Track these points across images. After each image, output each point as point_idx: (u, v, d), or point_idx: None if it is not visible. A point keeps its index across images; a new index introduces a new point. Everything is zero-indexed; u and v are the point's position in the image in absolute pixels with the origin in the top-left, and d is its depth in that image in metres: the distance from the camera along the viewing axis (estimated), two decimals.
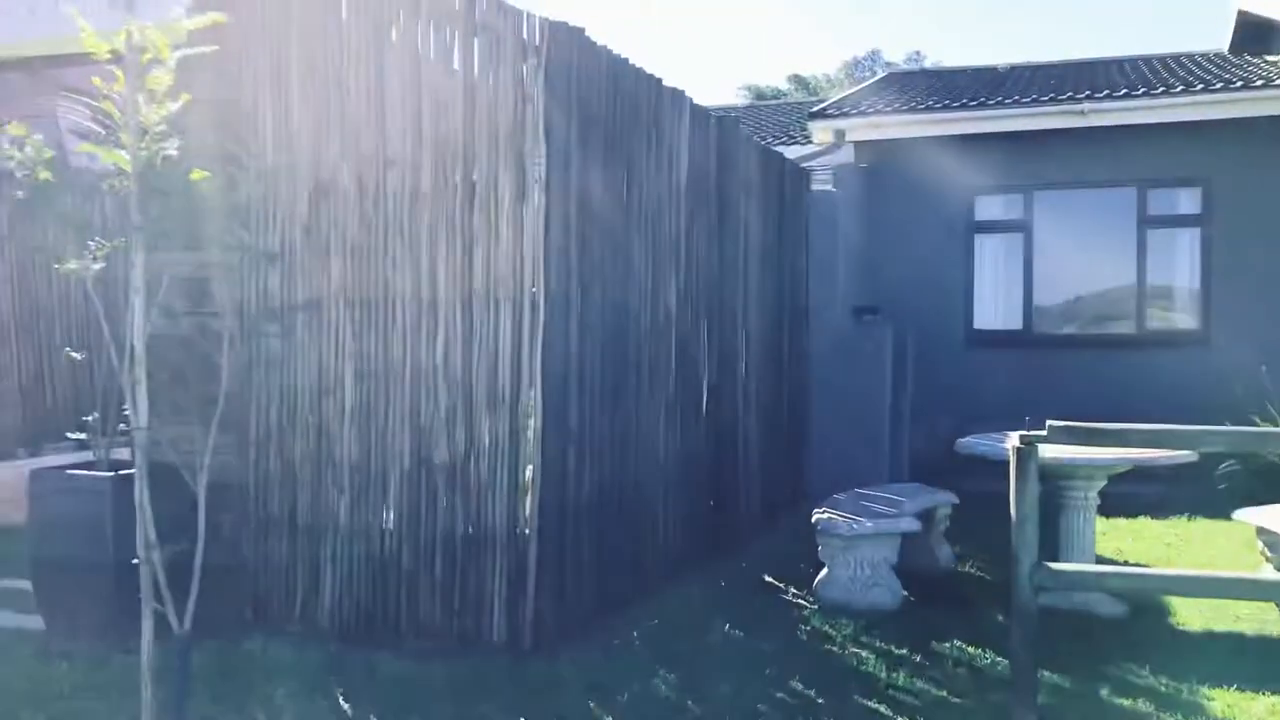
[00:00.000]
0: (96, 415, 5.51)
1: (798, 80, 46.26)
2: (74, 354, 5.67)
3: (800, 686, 4.97)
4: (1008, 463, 4.21)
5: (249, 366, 5.69)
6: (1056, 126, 11.29)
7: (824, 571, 6.35)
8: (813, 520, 6.41)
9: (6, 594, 6.51)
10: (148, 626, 4.15)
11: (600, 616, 5.74)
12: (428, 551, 5.47)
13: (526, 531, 5.29)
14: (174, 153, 4.02)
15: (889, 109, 12.05)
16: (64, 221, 4.23)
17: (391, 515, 5.55)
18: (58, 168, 4.23)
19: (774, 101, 28.65)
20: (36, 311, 9.62)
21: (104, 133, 4.50)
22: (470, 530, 5.40)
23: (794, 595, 6.57)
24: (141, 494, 4.16)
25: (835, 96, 15.19)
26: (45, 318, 9.71)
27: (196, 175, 4.03)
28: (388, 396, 5.56)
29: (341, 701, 4.74)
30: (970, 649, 5.56)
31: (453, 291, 5.44)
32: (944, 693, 4.97)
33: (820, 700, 4.83)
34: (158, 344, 5.03)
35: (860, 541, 6.18)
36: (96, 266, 4.89)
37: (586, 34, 5.53)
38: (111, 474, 5.26)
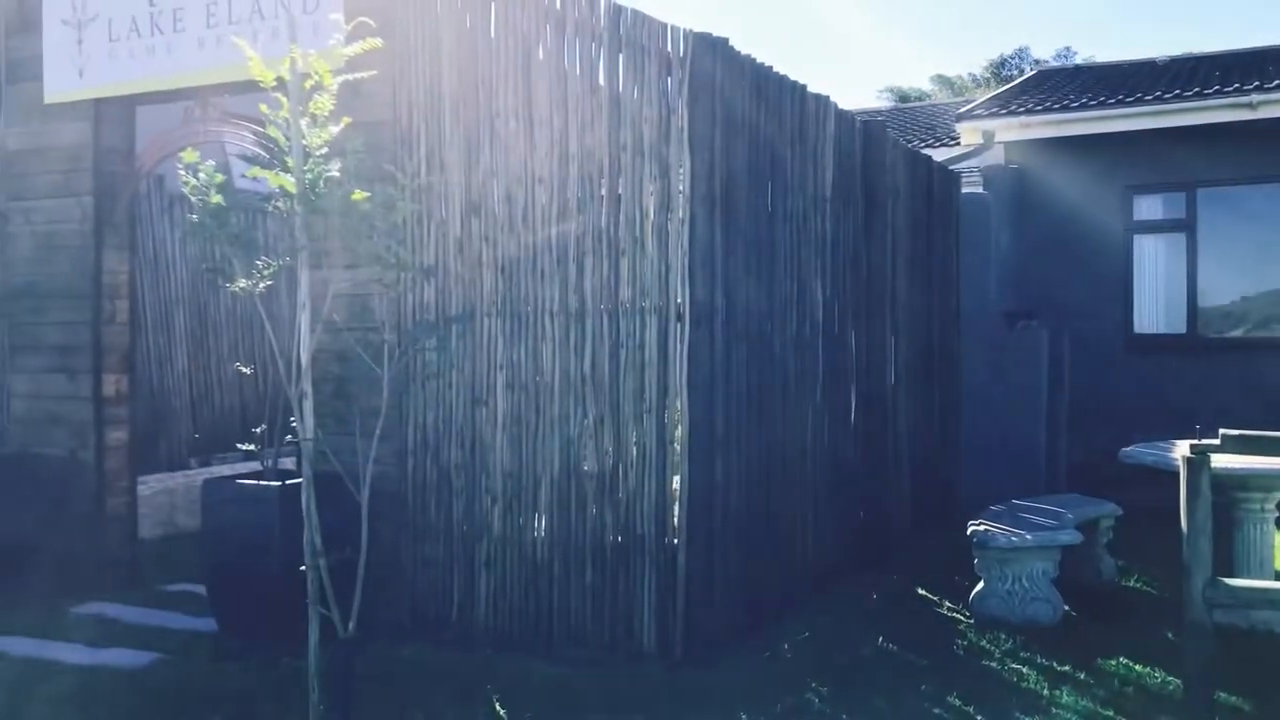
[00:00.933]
0: (264, 427, 5.74)
1: (942, 81, 45.28)
2: (243, 368, 5.93)
3: (958, 703, 4.85)
4: (1177, 473, 4.02)
5: (406, 378, 5.86)
6: (1222, 120, 10.73)
7: (980, 585, 6.18)
8: (968, 532, 6.25)
9: (181, 597, 6.87)
10: (314, 631, 4.32)
11: (750, 627, 5.71)
12: (578, 559, 5.54)
13: (675, 541, 5.31)
14: (335, 174, 4.18)
15: (1039, 108, 11.69)
16: (235, 242, 4.43)
17: (543, 523, 5.64)
18: (228, 191, 4.44)
19: (918, 104, 28.13)
20: (205, 326, 10.15)
21: (269, 156, 4.71)
22: (619, 539, 5.44)
23: (948, 609, 6.42)
24: (308, 503, 4.33)
25: (982, 97, 14.82)
26: (213, 332, 10.24)
27: (357, 196, 4.18)
28: (538, 406, 5.66)
29: (498, 708, 4.83)
30: (1138, 667, 5.33)
31: (599, 302, 5.51)
32: (1110, 712, 4.78)
33: (979, 717, 4.70)
34: (321, 357, 5.26)
35: (1018, 554, 5.99)
36: (263, 285, 5.12)
37: (730, 44, 5.53)
38: (279, 483, 5.49)
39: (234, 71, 6.32)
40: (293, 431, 4.83)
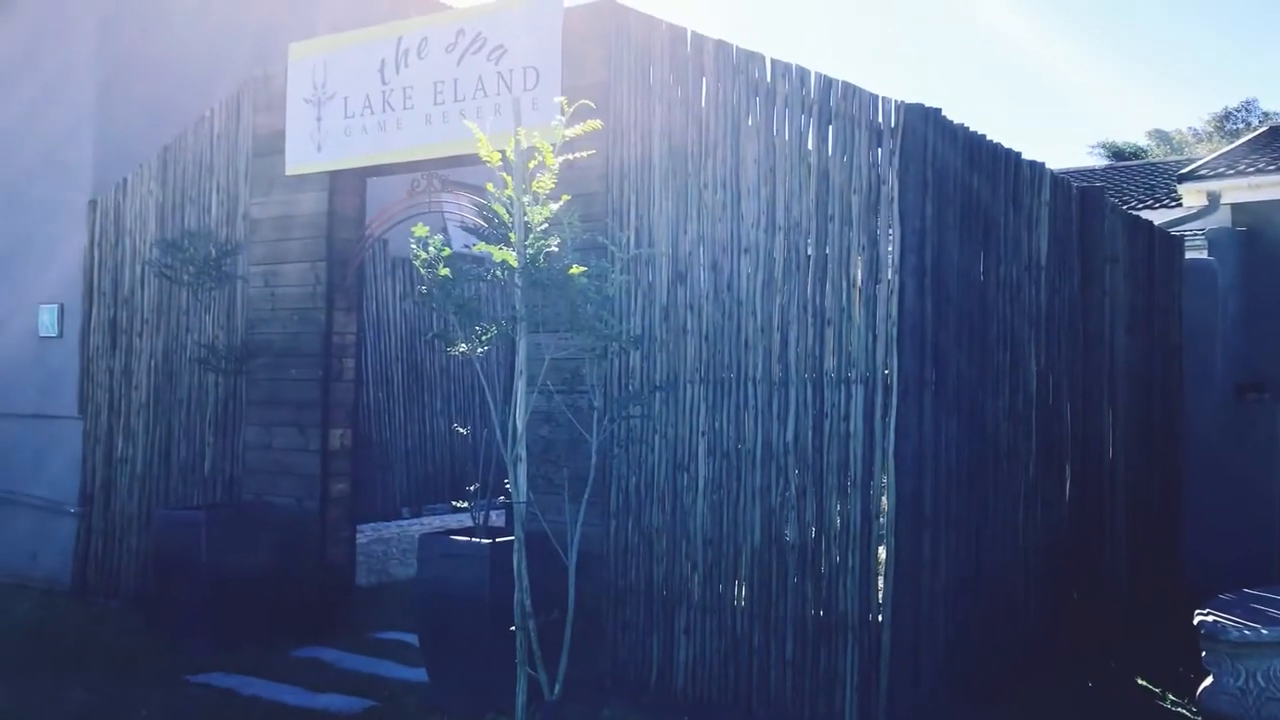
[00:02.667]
0: (476, 485, 5.96)
1: (1160, 136, 43.27)
2: (460, 429, 6.17)
3: None
4: None
5: (610, 441, 5.97)
6: None
7: (1209, 680, 5.78)
8: (1195, 623, 5.87)
9: (393, 645, 7.15)
10: (521, 691, 4.44)
11: (956, 710, 5.51)
12: (778, 631, 5.49)
13: (880, 618, 5.20)
14: (555, 249, 4.34)
15: (1272, 167, 11.01)
16: (460, 310, 4.65)
17: (743, 592, 5.63)
18: (454, 262, 4.68)
19: (1135, 162, 26.96)
20: (420, 382, 10.63)
21: (488, 227, 4.94)
22: (821, 613, 5.37)
23: (1172, 703, 6.03)
24: (519, 565, 4.47)
25: (1205, 154, 14.08)
26: (427, 388, 10.71)
27: (575, 271, 4.33)
28: (739, 474, 5.67)
29: None
30: None
31: (804, 371, 5.50)
32: None
33: None
34: (531, 420, 5.43)
35: (1253, 649, 5.57)
36: (481, 350, 5.36)
37: (942, 114, 5.47)
38: (489, 541, 5.67)
39: (458, 146, 6.69)
40: (505, 492, 5.01)
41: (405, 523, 9.61)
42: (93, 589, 8.35)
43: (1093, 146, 43.37)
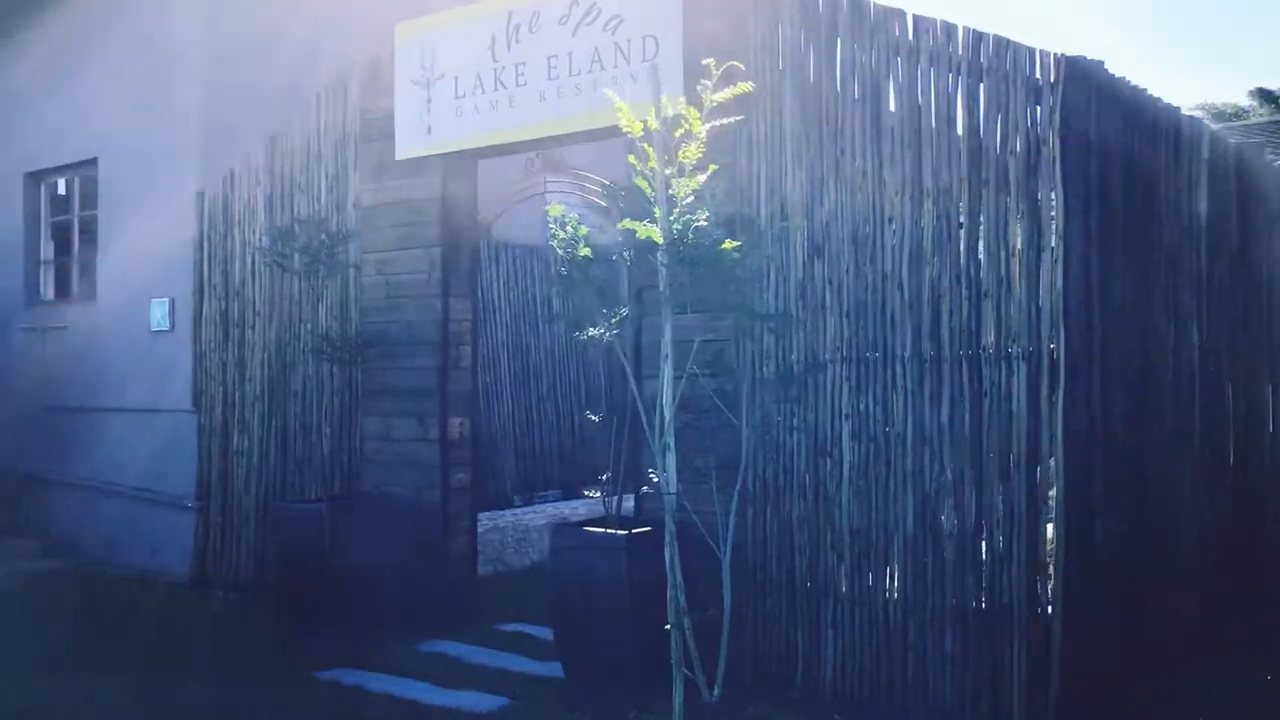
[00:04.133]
0: (608, 474, 5.73)
1: (1263, 95, 41.51)
2: (592, 416, 5.94)
3: None
4: None
5: (744, 426, 5.69)
6: None
7: None
8: None
9: (517, 638, 6.97)
10: (678, 692, 4.19)
11: (1130, 704, 5.14)
12: (936, 625, 5.17)
13: (1049, 610, 4.85)
14: (704, 223, 4.06)
15: None
16: (599, 294, 4.41)
17: (895, 583, 5.31)
18: (591, 242, 4.43)
19: (1239, 123, 25.77)
20: (527, 368, 10.45)
21: (606, 206, 4.68)
22: (983, 605, 5.03)
23: None
24: (672, 559, 4.22)
25: None
26: (534, 374, 10.53)
27: (728, 245, 4.04)
28: (888, 459, 5.35)
29: None
30: None
31: (958, 348, 5.15)
32: None
33: None
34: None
35: None
36: (612, 333, 5.12)
37: (1105, 67, 5.08)
38: (625, 532, 5.44)
39: (576, 122, 6.45)
40: (648, 481, 4.76)
41: (519, 511, 9.46)
42: (211, 582, 8.32)
43: (1190, 108, 41.75)
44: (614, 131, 6.20)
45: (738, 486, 4.52)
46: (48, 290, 10.28)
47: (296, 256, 7.25)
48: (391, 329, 7.33)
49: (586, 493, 6.40)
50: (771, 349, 5.68)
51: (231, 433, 8.30)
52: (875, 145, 5.43)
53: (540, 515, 9.47)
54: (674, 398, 4.22)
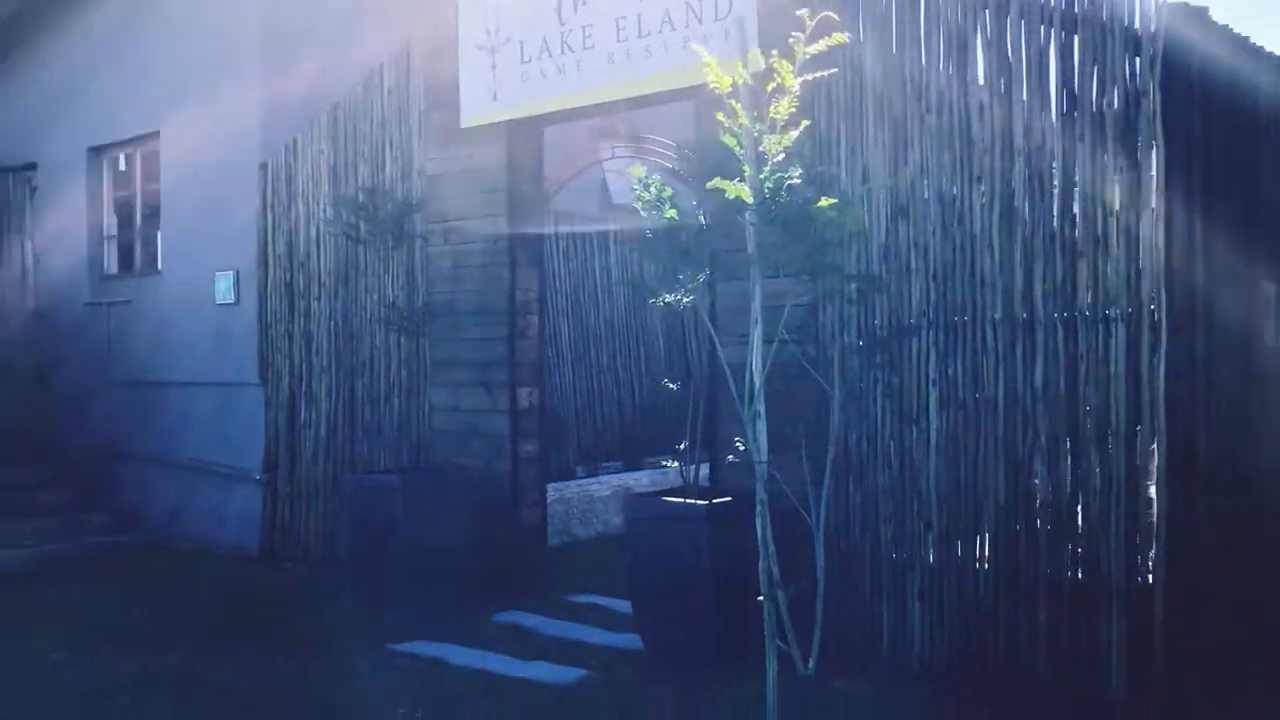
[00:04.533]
0: (685, 444, 5.61)
1: None
2: (670, 384, 5.82)
3: None
4: None
5: (835, 392, 5.53)
6: None
7: None
8: None
9: (589, 609, 6.89)
10: (772, 665, 4.08)
11: (1236, 680, 4.96)
12: (1028, 597, 5.01)
13: (1150, 581, 4.68)
14: (797, 181, 3.91)
15: None
16: (684, 258, 4.28)
17: (986, 553, 5.16)
18: (676, 204, 4.29)
19: None
20: (587, 338, 10.34)
21: (674, 169, 4.53)
22: (1080, 575, 4.87)
23: None
24: (764, 530, 4.10)
25: None
26: (594, 344, 10.41)
27: (824, 204, 3.89)
28: (978, 426, 5.18)
29: None
30: None
31: (1052, 311, 4.96)
32: None
33: None
34: (745, 372, 5.05)
35: None
36: (686, 300, 4.99)
37: (1208, 13, 4.84)
38: (705, 502, 5.32)
39: (644, 85, 6.30)
40: (729, 450, 4.64)
41: (584, 482, 9.37)
42: (279, 555, 8.33)
43: None
44: (685, 93, 6.09)
45: (830, 455, 4.38)
46: (111, 264, 10.31)
47: (363, 226, 7.18)
48: (458, 299, 7.25)
49: (663, 462, 6.27)
50: (856, 314, 5.51)
51: (299, 405, 8.28)
52: (962, 101, 5.24)
53: (605, 486, 9.39)
54: (764, 364, 4.08)
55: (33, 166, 10.46)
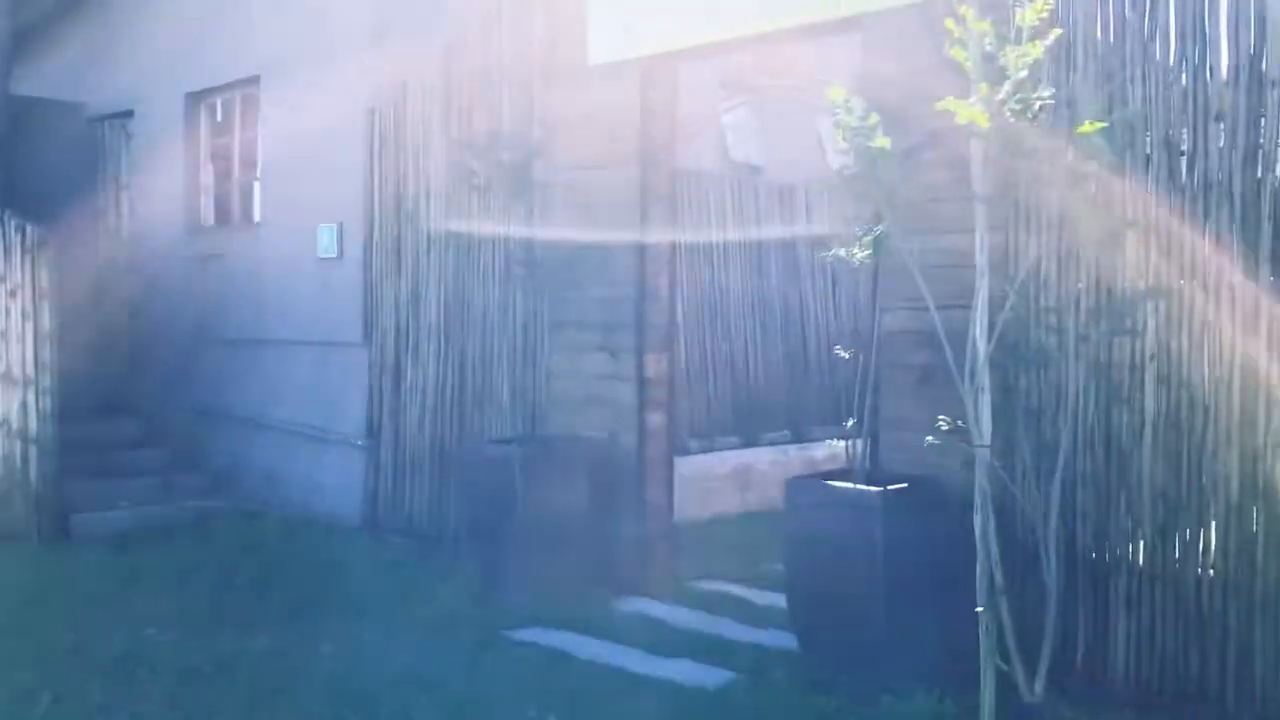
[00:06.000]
0: (853, 420, 4.94)
1: None
2: (842, 351, 5.14)
3: None
4: None
5: (1072, 362, 4.75)
6: None
7: None
8: None
9: (720, 599, 6.29)
10: (988, 686, 3.41)
11: None
12: (1269, 609, 4.26)
13: None
14: (1049, 100, 3.19)
15: None
16: (891, 198, 3.59)
17: (1213, 557, 4.41)
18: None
19: None
20: (701, 308, 9.64)
21: (844, 115, 3.82)
22: None
23: None
24: (985, 526, 3.43)
25: None
26: (710, 314, 9.72)
27: (1088, 128, 3.17)
28: (1205, 406, 4.42)
29: None
30: None
31: None
32: None
33: None
34: (901, 340, 4.37)
35: None
36: (862, 257, 4.35)
37: None
38: (879, 489, 4.64)
39: (797, 14, 5.60)
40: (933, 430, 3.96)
41: (700, 458, 8.72)
42: (382, 527, 7.82)
43: None
44: (854, 23, 5.37)
45: (1065, 439, 3.67)
46: (207, 216, 9.87)
47: (482, 174, 6.58)
48: (582, 255, 6.61)
49: (820, 437, 5.60)
50: (1053, 274, 4.74)
51: (404, 367, 7.75)
52: (1194, 26, 4.45)
53: (724, 464, 8.76)
54: (991, 330, 3.38)
55: (129, 114, 10.06)
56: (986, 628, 3.38)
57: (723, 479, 8.61)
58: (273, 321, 8.80)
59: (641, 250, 6.43)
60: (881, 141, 3.45)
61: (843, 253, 4.56)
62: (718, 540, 7.55)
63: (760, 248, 9.74)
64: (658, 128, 6.48)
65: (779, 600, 5.33)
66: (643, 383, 6.44)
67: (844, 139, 3.56)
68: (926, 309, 4.56)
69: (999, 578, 3.35)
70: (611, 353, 6.50)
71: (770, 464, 8.96)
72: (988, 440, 3.39)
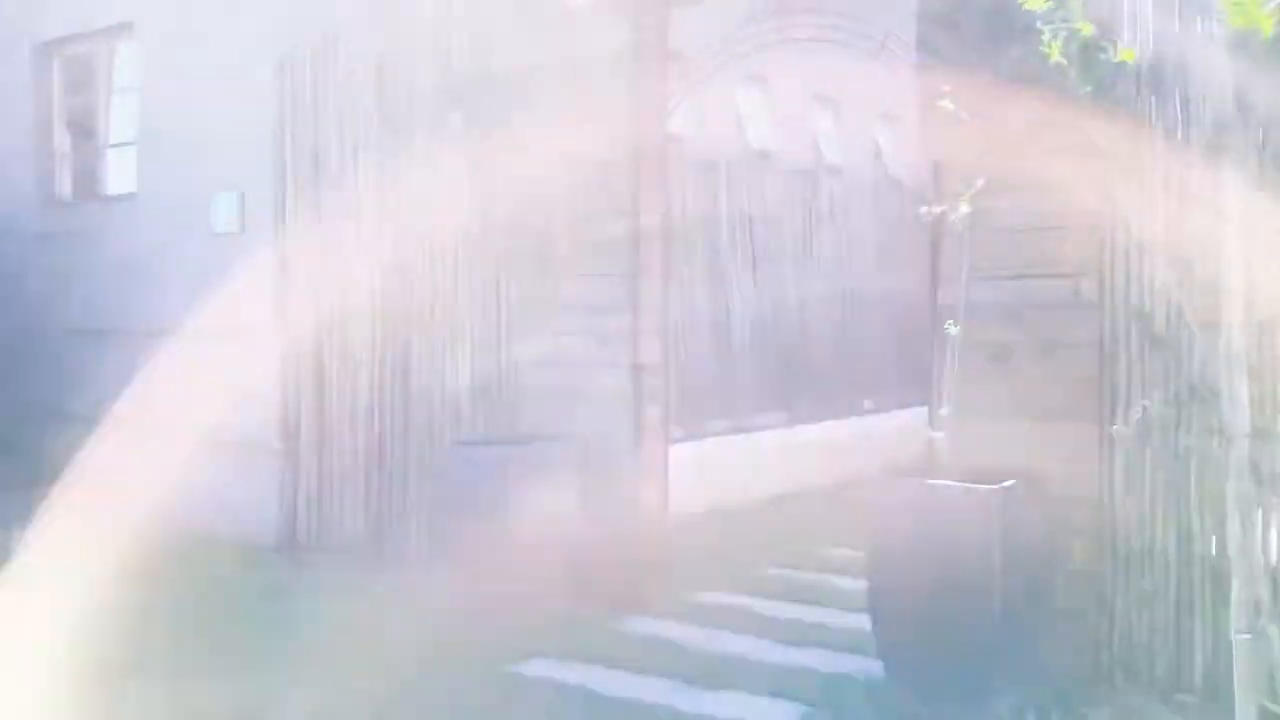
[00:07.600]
0: (944, 409, 4.27)
1: None
2: (951, 327, 4.43)
3: None
4: None
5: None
6: None
7: None
8: None
9: (735, 614, 5.57)
10: None
11: None
12: None
13: None
14: None
15: None
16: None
17: None
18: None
19: None
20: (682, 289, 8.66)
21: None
22: None
23: None
24: (1249, 535, 2.77)
25: None
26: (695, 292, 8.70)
27: None
28: None
29: None
30: None
31: None
32: None
33: None
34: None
35: None
36: (964, 209, 3.75)
37: None
38: (994, 488, 3.98)
39: None
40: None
41: (687, 444, 7.84)
42: (305, 546, 6.75)
43: None
44: None
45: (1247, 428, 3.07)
46: (63, 187, 8.48)
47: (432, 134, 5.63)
48: (559, 225, 5.74)
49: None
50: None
51: (328, 359, 6.69)
52: None
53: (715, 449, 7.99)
54: (1240, 305, 2.73)
55: None
56: (1238, 657, 2.76)
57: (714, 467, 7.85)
58: (154, 307, 7.54)
59: (635, 218, 5.62)
60: (1127, 55, 2.73)
61: (940, 210, 3.88)
62: (709, 537, 6.88)
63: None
64: (650, 75, 5.69)
65: (795, 613, 5.08)
66: (636, 371, 5.63)
67: (1061, 54, 2.79)
68: (1012, 279, 3.99)
69: (1266, 598, 2.73)
70: (599, 338, 5.66)
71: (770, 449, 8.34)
72: (1247, 430, 2.76)
